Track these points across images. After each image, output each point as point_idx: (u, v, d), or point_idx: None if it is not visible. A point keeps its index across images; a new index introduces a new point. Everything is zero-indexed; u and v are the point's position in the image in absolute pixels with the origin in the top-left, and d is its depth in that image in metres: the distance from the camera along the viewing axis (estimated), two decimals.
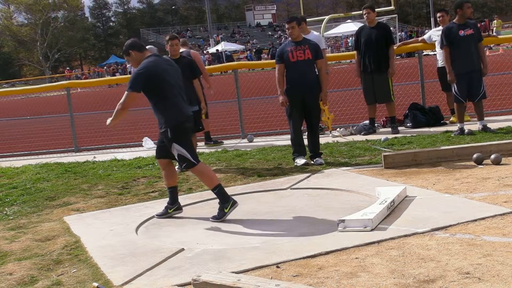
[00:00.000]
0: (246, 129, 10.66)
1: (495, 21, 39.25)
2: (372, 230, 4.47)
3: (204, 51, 55.31)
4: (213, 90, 10.09)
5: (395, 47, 9.66)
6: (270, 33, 75.07)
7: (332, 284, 3.54)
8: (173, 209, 5.65)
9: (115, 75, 46.79)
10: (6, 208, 6.59)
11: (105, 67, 57.72)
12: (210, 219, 5.37)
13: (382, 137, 8.68)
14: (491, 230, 4.25)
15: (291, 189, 6.29)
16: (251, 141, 9.95)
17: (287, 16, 54.34)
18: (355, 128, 9.61)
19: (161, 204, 5.99)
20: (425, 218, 4.66)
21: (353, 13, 33.90)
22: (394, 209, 4.98)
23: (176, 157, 5.39)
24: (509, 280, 3.32)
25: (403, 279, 3.50)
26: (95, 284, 3.91)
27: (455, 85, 8.46)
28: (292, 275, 3.76)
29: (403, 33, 52.67)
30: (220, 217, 5.32)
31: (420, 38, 10.92)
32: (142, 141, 10.60)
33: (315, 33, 9.76)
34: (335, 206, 5.46)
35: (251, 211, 5.58)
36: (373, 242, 4.22)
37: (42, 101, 24.20)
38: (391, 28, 18.18)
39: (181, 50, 8.57)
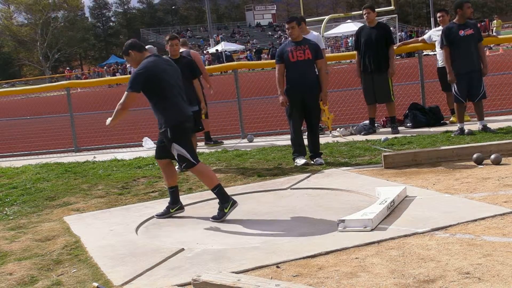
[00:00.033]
0: (246, 129, 10.66)
1: (495, 21, 39.28)
2: (372, 230, 4.47)
3: (204, 51, 55.32)
4: (213, 90, 10.09)
5: (395, 47, 9.66)
6: (270, 33, 75.07)
7: (332, 284, 3.54)
8: (175, 209, 5.66)
9: (115, 75, 46.79)
10: (6, 208, 6.59)
11: (105, 67, 57.72)
12: (210, 219, 5.37)
13: (382, 137, 8.68)
14: (491, 230, 4.25)
15: (291, 189, 6.29)
16: (251, 141, 9.95)
17: (287, 16, 54.34)
18: (355, 128, 9.61)
19: (161, 204, 5.99)
20: (425, 218, 4.66)
21: (353, 13, 33.84)
22: (394, 209, 4.98)
23: (176, 157, 5.40)
24: (509, 280, 3.32)
25: (403, 279, 3.50)
26: (95, 284, 3.91)
27: (455, 85, 8.46)
28: (292, 275, 3.76)
29: (403, 33, 52.68)
30: (220, 217, 5.33)
31: (420, 38, 10.92)
32: (142, 141, 10.60)
33: (315, 33, 9.76)
34: (335, 206, 5.46)
35: (251, 211, 5.58)
36: (373, 242, 4.22)
37: (42, 101, 24.20)
38: (391, 28, 18.18)
39: (181, 50, 8.57)
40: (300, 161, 7.38)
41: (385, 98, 9.39)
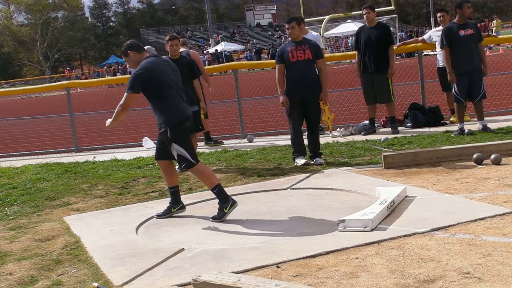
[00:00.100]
0: (246, 129, 10.66)
1: (495, 21, 39.30)
2: (372, 230, 4.47)
3: (204, 51, 55.31)
4: (212, 88, 10.09)
5: (395, 47, 9.66)
6: (270, 33, 75.06)
7: (332, 284, 3.54)
8: (176, 209, 5.66)
9: (116, 75, 46.79)
10: (6, 208, 6.59)
11: (105, 67, 57.71)
12: (210, 219, 5.37)
13: (382, 137, 8.68)
14: (491, 230, 4.25)
15: (291, 189, 6.29)
16: (251, 141, 9.95)
17: (287, 16, 54.31)
18: (355, 128, 9.61)
19: (161, 204, 5.99)
20: (425, 218, 4.66)
21: (353, 13, 33.86)
22: (394, 209, 4.98)
23: (176, 157, 5.40)
24: (509, 280, 3.32)
25: (403, 279, 3.50)
26: (95, 284, 3.91)
27: (455, 85, 8.46)
28: (292, 275, 3.76)
29: (403, 33, 52.70)
30: (220, 217, 5.33)
31: (420, 38, 10.92)
32: (142, 141, 10.61)
33: (314, 33, 9.77)
34: (335, 206, 5.46)
35: (251, 211, 5.58)
36: (373, 242, 4.22)
37: (42, 101, 24.18)
38: (391, 28, 18.17)
39: (181, 50, 8.57)
40: (300, 161, 7.38)
41: (385, 98, 9.39)
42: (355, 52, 9.73)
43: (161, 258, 4.34)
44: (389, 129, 9.42)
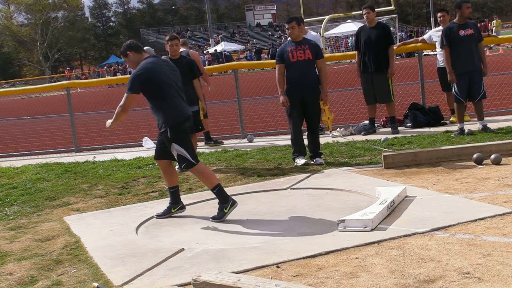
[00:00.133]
0: (246, 129, 10.66)
1: (495, 21, 39.27)
2: (372, 230, 4.47)
3: (204, 51, 55.30)
4: (212, 87, 10.09)
5: (395, 47, 9.66)
6: (270, 33, 75.06)
7: (332, 284, 3.54)
8: (176, 209, 5.66)
9: (116, 75, 46.78)
10: (6, 208, 6.59)
11: (105, 67, 57.70)
12: (210, 219, 5.37)
13: (382, 137, 8.68)
14: (491, 230, 4.25)
15: (291, 189, 6.29)
16: (251, 141, 9.95)
17: (287, 16, 54.34)
18: (355, 128, 9.61)
19: (161, 204, 5.99)
20: (425, 218, 4.66)
21: (353, 13, 33.91)
22: (394, 209, 4.98)
23: (176, 157, 5.40)
24: (509, 280, 3.32)
25: (403, 279, 3.50)
26: (95, 284, 3.91)
27: (455, 85, 8.46)
28: (292, 275, 3.76)
29: (403, 33, 52.68)
30: (220, 217, 5.33)
31: (420, 38, 10.92)
32: (142, 141, 10.61)
33: (313, 33, 9.77)
34: (335, 206, 5.46)
35: (251, 211, 5.58)
36: (373, 242, 4.22)
37: (42, 101, 24.18)
38: (391, 28, 18.18)
39: (180, 50, 8.58)
40: (300, 161, 7.38)
41: (385, 98, 9.39)
42: (355, 52, 9.73)
43: (161, 258, 4.34)
44: (389, 129, 9.42)
